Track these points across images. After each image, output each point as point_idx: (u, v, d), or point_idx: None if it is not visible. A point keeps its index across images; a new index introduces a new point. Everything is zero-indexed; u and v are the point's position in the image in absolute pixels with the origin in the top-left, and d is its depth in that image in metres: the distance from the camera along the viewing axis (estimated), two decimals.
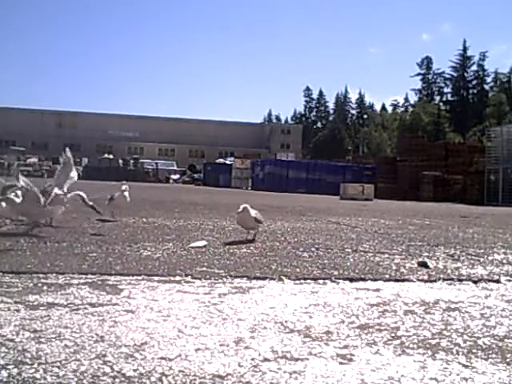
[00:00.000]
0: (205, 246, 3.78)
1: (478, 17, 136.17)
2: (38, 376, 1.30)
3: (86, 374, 1.32)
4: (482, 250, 4.33)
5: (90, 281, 2.48)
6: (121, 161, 47.02)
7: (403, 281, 2.85)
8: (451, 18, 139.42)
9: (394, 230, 6.11)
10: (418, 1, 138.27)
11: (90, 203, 4.92)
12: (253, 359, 1.49)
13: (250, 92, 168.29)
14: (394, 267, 3.27)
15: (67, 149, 4.97)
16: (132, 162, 47.76)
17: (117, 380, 1.30)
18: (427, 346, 1.69)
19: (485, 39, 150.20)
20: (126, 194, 5.64)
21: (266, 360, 1.49)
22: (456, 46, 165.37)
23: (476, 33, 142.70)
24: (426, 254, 3.97)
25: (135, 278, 2.59)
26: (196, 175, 48.37)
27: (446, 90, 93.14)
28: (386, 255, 3.79)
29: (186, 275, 2.69)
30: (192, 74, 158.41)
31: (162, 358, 1.46)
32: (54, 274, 2.57)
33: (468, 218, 9.76)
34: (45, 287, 2.30)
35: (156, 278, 2.59)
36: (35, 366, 1.36)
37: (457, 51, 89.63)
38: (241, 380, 1.34)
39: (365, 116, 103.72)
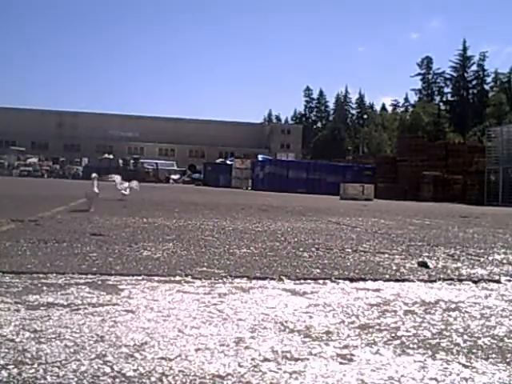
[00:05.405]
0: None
1: (474, 17, 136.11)
2: (38, 376, 1.30)
3: (86, 374, 1.32)
4: (481, 250, 4.33)
5: (90, 281, 2.48)
6: (121, 161, 47.04)
7: (403, 281, 2.85)
8: (445, 15, 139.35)
9: (394, 229, 6.11)
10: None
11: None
12: (253, 359, 1.49)
13: (250, 92, 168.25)
14: (394, 267, 3.27)
15: None
16: (132, 161, 47.77)
17: (117, 380, 1.30)
18: (427, 346, 1.69)
19: (478, 40, 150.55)
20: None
21: (266, 360, 1.49)
22: (450, 44, 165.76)
23: (472, 33, 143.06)
24: (426, 253, 3.97)
25: (135, 277, 2.59)
26: (196, 175, 48.40)
27: (446, 90, 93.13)
28: (386, 255, 3.79)
29: (186, 275, 2.69)
30: (192, 74, 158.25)
31: (162, 358, 1.46)
32: (54, 274, 2.57)
33: (468, 217, 9.76)
34: (45, 287, 2.30)
35: (156, 278, 2.59)
36: (35, 366, 1.36)
37: (456, 51, 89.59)
38: (241, 380, 1.34)
39: (365, 116, 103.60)
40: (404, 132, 62.41)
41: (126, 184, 9.46)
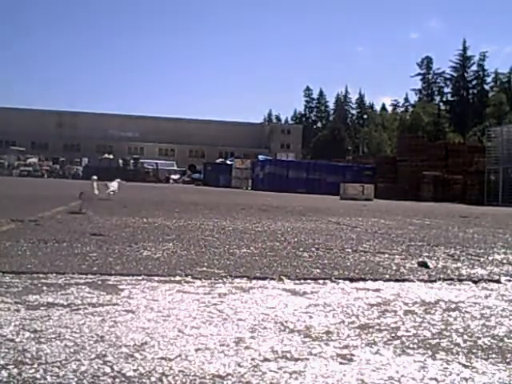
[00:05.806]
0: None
1: (474, 17, 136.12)
2: (38, 376, 1.30)
3: (86, 374, 1.32)
4: (482, 250, 4.33)
5: (89, 281, 2.48)
6: (121, 161, 47.05)
7: (403, 281, 2.85)
8: (445, 15, 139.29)
9: (394, 229, 6.11)
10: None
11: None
12: (253, 359, 1.49)
13: (250, 92, 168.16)
14: (394, 267, 3.27)
15: None
16: (132, 161, 47.80)
17: (117, 380, 1.30)
18: (427, 346, 1.69)
19: (478, 40, 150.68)
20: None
21: (266, 360, 1.49)
22: (450, 44, 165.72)
23: (472, 33, 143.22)
24: (426, 254, 3.97)
25: (135, 277, 2.59)
26: (196, 175, 48.42)
27: (446, 90, 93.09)
28: (386, 255, 3.79)
29: (186, 275, 2.69)
30: (192, 74, 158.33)
31: (162, 358, 1.46)
32: (54, 274, 2.57)
33: (468, 217, 9.76)
34: (45, 287, 2.30)
35: (156, 278, 2.59)
36: (35, 366, 1.36)
37: (457, 51, 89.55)
38: (241, 380, 1.34)
39: (365, 116, 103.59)
40: (404, 132, 62.41)
41: (114, 183, 9.42)
